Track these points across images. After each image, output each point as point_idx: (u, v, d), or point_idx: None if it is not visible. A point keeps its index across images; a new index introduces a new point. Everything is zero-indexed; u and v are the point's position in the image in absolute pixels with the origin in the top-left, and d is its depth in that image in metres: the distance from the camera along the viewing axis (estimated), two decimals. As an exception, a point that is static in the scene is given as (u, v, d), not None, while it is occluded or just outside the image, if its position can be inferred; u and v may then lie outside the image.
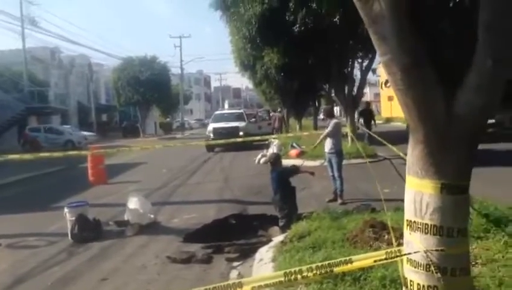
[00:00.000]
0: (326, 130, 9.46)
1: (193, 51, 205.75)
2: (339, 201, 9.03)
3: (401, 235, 4.14)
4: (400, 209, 6.83)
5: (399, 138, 14.20)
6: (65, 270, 5.99)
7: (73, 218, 7.44)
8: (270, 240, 6.70)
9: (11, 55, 36.10)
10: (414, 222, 2.64)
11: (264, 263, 5.54)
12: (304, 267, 2.60)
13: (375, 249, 4.95)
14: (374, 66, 20.81)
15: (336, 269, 2.56)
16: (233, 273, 5.62)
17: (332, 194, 9.32)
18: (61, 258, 6.57)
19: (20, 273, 5.95)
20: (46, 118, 38.39)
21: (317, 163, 14.01)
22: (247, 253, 6.29)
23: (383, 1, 2.38)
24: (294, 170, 8.32)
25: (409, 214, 2.69)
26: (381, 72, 68.83)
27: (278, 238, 6.52)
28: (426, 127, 2.52)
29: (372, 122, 19.36)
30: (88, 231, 7.45)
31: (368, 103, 21.22)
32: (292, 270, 2.56)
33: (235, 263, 5.98)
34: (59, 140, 31.21)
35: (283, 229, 7.18)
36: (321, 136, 9.70)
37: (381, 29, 2.45)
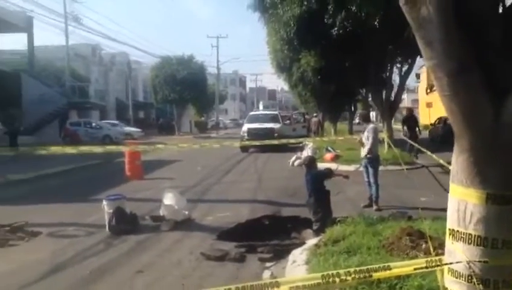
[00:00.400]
0: (371, 137, 9.19)
1: (230, 51, 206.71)
2: (374, 207, 8.93)
3: (440, 245, 4.09)
4: (438, 218, 6.72)
5: (437, 145, 13.99)
6: (103, 261, 6.15)
7: (111, 210, 7.63)
8: (304, 243, 6.69)
9: (55, 51, 37.17)
10: (457, 231, 2.60)
11: (297, 264, 5.54)
12: (341, 271, 2.60)
13: (412, 258, 4.88)
14: (416, 71, 20.34)
15: (375, 275, 2.55)
16: (266, 274, 5.65)
17: (367, 200, 9.24)
18: (98, 249, 6.75)
19: (60, 262, 6.14)
20: (85, 112, 39.42)
21: (351, 168, 13.89)
22: (280, 254, 6.30)
23: (431, 5, 2.36)
24: (329, 173, 8.26)
25: (452, 223, 2.65)
26: (422, 78, 67.64)
27: (312, 241, 6.50)
28: (472, 134, 2.48)
29: (417, 129, 17.88)
30: (125, 223, 7.63)
31: (411, 110, 20.12)
32: (330, 273, 2.56)
33: (268, 264, 6.00)
34: (98, 134, 32.00)
35: (317, 232, 7.16)
36: (370, 143, 9.21)
37: (428, 33, 2.43)
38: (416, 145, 9.64)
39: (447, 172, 10.36)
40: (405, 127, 17.88)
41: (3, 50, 31.04)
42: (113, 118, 45.37)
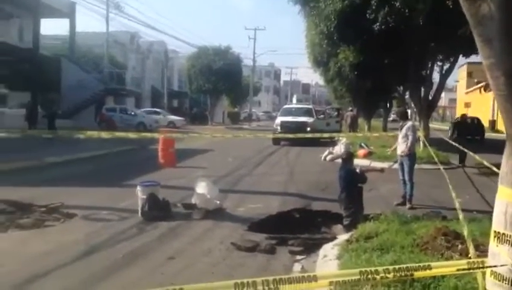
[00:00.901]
0: (411, 135, 9.02)
1: (267, 43, 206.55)
2: (408, 206, 8.78)
3: (476, 247, 3.98)
4: (474, 220, 6.55)
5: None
6: (135, 245, 6.23)
7: (145, 196, 7.72)
8: (335, 238, 6.64)
9: (95, 37, 37.86)
10: (503, 234, 2.51)
11: (328, 259, 5.49)
12: (380, 268, 2.54)
13: (447, 259, 4.76)
14: (458, 70, 19.68)
15: (416, 274, 2.48)
16: (297, 267, 5.62)
17: (401, 198, 9.08)
18: (131, 234, 6.85)
19: (94, 244, 6.25)
20: (121, 99, 40.11)
21: (385, 165, 13.68)
22: (310, 248, 6.27)
23: (492, 2, 2.26)
24: (364, 178, 8.01)
25: (497, 225, 2.56)
26: (459, 77, 66.01)
27: (343, 237, 6.44)
28: (526, 135, 2.38)
29: (470, 138, 16.68)
30: (157, 210, 7.71)
31: (464, 115, 18.60)
32: (369, 269, 2.51)
33: (299, 257, 5.98)
34: (132, 121, 32.47)
35: (347, 228, 7.09)
36: (410, 141, 9.05)
37: (487, 31, 2.34)
38: (466, 151, 9.24)
39: (484, 173, 10.22)
40: (455, 132, 16.45)
41: (45, 35, 31.80)
42: (148, 105, 46.01)
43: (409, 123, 9.33)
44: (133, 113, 34.65)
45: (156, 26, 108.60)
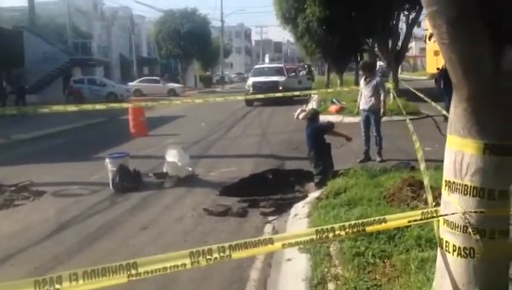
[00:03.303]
0: (383, 90, 8.96)
1: (234, 3, 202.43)
2: (378, 158, 8.86)
3: (440, 195, 4.05)
4: (440, 168, 6.65)
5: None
6: (107, 219, 6.21)
7: (115, 168, 7.64)
8: (306, 196, 6.71)
9: (55, 7, 36.46)
10: (453, 182, 2.54)
11: (298, 218, 5.57)
12: (336, 226, 2.56)
13: (412, 208, 4.88)
14: (420, 18, 19.60)
15: (369, 228, 2.51)
16: (268, 228, 5.69)
17: (363, 154, 9.05)
18: (103, 207, 6.81)
19: (65, 220, 6.21)
20: (89, 69, 39.05)
21: (356, 119, 13.76)
22: (282, 208, 6.33)
23: None
24: (329, 126, 8.09)
25: (448, 174, 2.59)
26: (427, 26, 66.24)
27: (314, 194, 6.51)
28: (471, 83, 2.37)
29: None
30: (128, 181, 7.65)
31: None
32: (324, 228, 2.52)
33: (270, 218, 6.04)
34: (102, 92, 31.72)
35: (318, 185, 7.17)
36: (382, 101, 8.98)
37: (427, -23, 2.29)
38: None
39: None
40: (441, 84, 14.65)
41: (2, 7, 30.56)
42: (118, 74, 45.13)
43: (378, 79, 9.23)
44: (102, 83, 33.75)
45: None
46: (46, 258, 4.88)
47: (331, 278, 3.70)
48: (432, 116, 14.90)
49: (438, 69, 15.66)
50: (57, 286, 1.92)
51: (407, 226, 4.13)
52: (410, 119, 8.46)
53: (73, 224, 6.08)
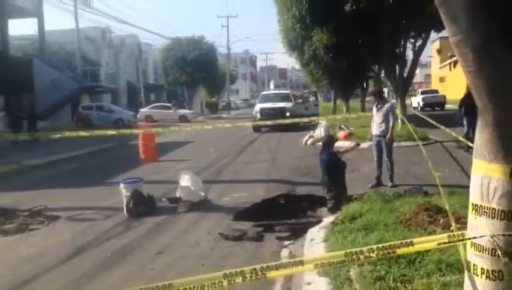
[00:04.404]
0: (392, 116, 9.04)
1: (240, 31, 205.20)
2: (389, 184, 8.89)
3: (457, 220, 4.09)
4: (454, 193, 6.70)
5: (451, 120, 13.85)
6: (122, 243, 6.23)
7: (129, 193, 7.70)
8: (321, 221, 6.72)
9: (65, 35, 37.08)
10: (480, 206, 2.59)
11: (315, 242, 5.58)
12: (364, 248, 2.61)
13: (430, 233, 4.89)
14: (431, 45, 19.83)
15: (398, 251, 2.56)
16: (285, 252, 5.69)
17: (374, 180, 9.09)
18: (118, 231, 6.84)
19: (81, 245, 6.24)
20: (97, 96, 39.54)
21: (365, 145, 13.85)
22: (297, 232, 6.34)
23: (455, -21, 2.31)
24: (344, 166, 8.11)
25: (475, 198, 2.64)
26: (432, 52, 66.66)
27: (328, 219, 6.53)
28: (496, 109, 2.44)
29: None
30: (143, 206, 7.70)
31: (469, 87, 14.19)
32: (353, 250, 2.57)
33: (286, 242, 6.05)
34: (110, 118, 32.07)
35: (332, 210, 7.19)
36: (392, 121, 9.04)
37: (452, 8, 2.38)
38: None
39: (462, 147, 10.33)
40: (462, 110, 13.41)
41: (13, 36, 31.06)
42: (125, 100, 45.54)
43: (389, 104, 9.37)
44: (110, 109, 34.15)
45: (127, 19, 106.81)
46: (64, 282, 4.91)
47: (353, 302, 3.71)
48: (441, 141, 14.99)
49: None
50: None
51: (427, 251, 4.15)
52: (421, 145, 8.54)
53: (89, 248, 6.10)
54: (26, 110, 24.05)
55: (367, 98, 33.01)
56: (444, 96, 39.41)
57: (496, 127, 2.47)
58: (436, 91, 42.20)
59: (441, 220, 5.16)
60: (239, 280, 2.27)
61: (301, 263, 2.53)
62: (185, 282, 2.26)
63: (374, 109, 9.37)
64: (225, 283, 2.22)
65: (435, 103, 38.69)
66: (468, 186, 6.63)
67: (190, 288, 2.22)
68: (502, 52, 2.36)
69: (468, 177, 7.73)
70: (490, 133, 2.51)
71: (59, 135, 12.07)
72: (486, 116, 2.52)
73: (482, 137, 2.57)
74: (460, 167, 9.99)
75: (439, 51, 47.12)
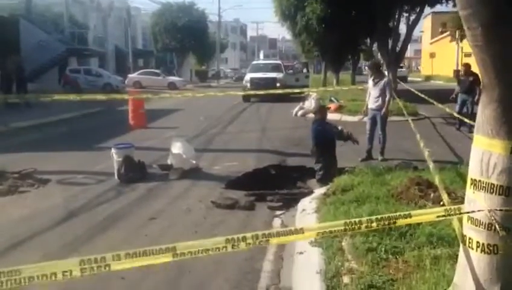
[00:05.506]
0: (389, 91, 9.05)
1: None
2: (380, 157, 8.98)
3: (448, 194, 4.16)
4: (443, 168, 6.81)
5: (440, 97, 13.94)
6: (114, 208, 6.25)
7: (120, 159, 7.67)
8: (312, 192, 6.79)
9: (53, -4, 36.18)
10: (479, 181, 2.64)
11: (307, 213, 5.65)
12: (363, 219, 2.65)
13: (421, 207, 4.98)
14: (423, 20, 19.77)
15: (398, 222, 2.60)
16: (276, 222, 5.76)
17: (365, 153, 9.15)
18: (109, 196, 6.84)
19: (73, 208, 6.24)
20: (85, 60, 38.86)
21: (355, 118, 13.94)
22: (289, 203, 6.41)
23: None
24: (340, 133, 8.10)
25: (474, 173, 2.68)
26: (423, 28, 66.41)
27: (320, 191, 6.59)
28: (503, 84, 2.47)
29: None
30: (134, 172, 7.70)
31: (468, 65, 12.60)
32: (353, 220, 2.61)
33: (278, 212, 6.11)
34: (98, 82, 31.59)
35: (320, 181, 7.27)
36: (387, 101, 9.02)
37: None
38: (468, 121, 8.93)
39: (450, 123, 10.45)
40: (461, 96, 12.13)
41: (-1, -6, 30.30)
42: (113, 65, 44.87)
43: (386, 78, 9.35)
44: (98, 74, 33.62)
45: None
46: (58, 244, 4.92)
47: (345, 271, 3.78)
48: (429, 117, 15.13)
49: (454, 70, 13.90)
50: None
51: (418, 224, 4.23)
52: (410, 120, 8.61)
53: (81, 212, 6.11)
54: (13, 71, 23.55)
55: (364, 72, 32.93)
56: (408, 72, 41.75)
57: (500, 103, 2.50)
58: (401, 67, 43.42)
59: (432, 195, 5.25)
60: (242, 245, 2.30)
61: (302, 231, 2.56)
62: (188, 246, 2.28)
63: (370, 82, 9.34)
64: (229, 247, 2.25)
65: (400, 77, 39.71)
66: (455, 163, 6.79)
67: (193, 252, 2.26)
68: (510, 29, 2.37)
69: (455, 153, 7.93)
70: (494, 110, 2.53)
71: (49, 98, 11.95)
72: (490, 92, 2.54)
73: (485, 113, 2.60)
74: (446, 143, 10.15)
75: (443, 25, 46.45)
